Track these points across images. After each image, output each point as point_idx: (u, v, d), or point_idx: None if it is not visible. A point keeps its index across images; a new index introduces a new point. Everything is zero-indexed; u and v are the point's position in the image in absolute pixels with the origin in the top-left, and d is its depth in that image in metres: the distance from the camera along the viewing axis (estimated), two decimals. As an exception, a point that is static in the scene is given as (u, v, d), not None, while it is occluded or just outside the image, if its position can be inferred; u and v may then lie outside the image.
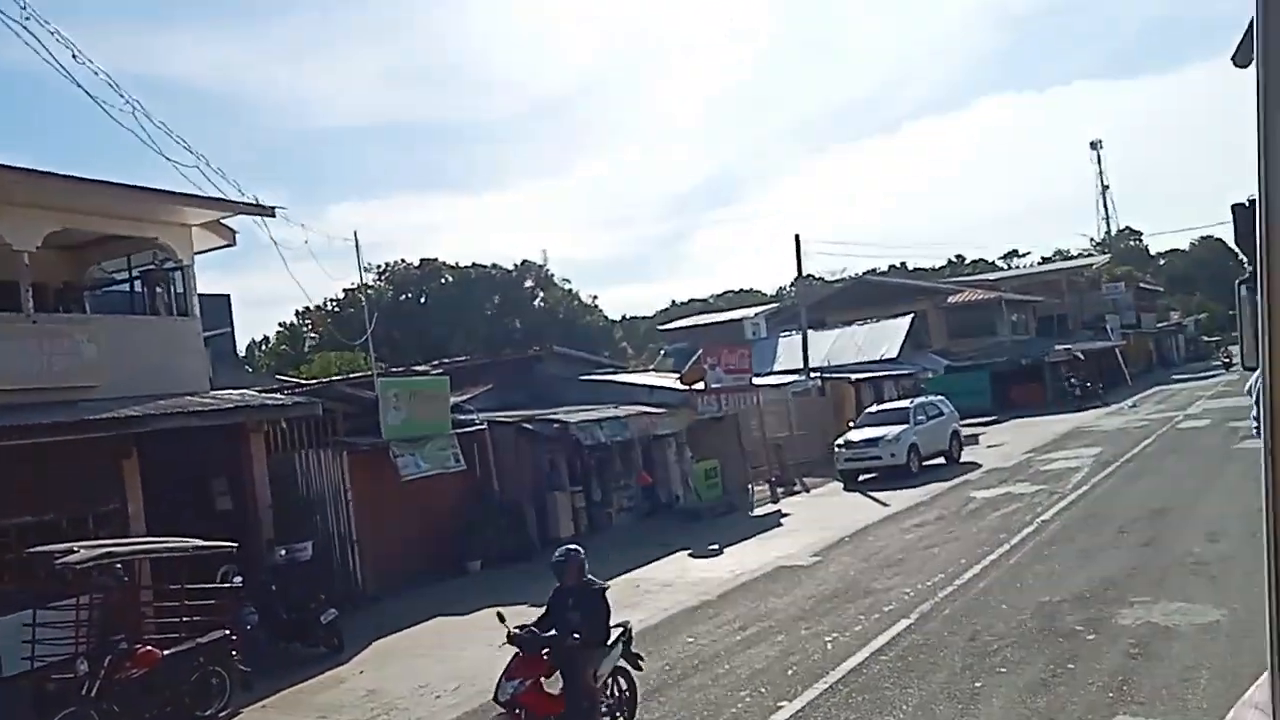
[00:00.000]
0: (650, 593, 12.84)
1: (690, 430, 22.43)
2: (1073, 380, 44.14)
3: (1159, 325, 74.89)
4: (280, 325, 69.95)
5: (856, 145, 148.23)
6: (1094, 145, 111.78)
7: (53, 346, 11.95)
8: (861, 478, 23.08)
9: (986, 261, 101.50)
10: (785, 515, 19.24)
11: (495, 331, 64.20)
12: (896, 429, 22.66)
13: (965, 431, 33.77)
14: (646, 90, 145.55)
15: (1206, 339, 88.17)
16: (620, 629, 7.44)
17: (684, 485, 20.84)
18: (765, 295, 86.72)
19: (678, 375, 21.65)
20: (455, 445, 16.27)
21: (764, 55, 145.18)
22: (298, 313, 71.17)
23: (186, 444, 13.86)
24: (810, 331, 40.28)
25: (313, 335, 69.79)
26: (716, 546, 15.90)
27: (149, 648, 8.84)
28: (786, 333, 40.74)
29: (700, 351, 21.56)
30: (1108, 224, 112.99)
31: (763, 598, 11.63)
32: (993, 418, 38.20)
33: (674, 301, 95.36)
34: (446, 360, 23.78)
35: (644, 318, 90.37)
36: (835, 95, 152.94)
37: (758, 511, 20.19)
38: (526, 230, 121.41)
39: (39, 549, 8.87)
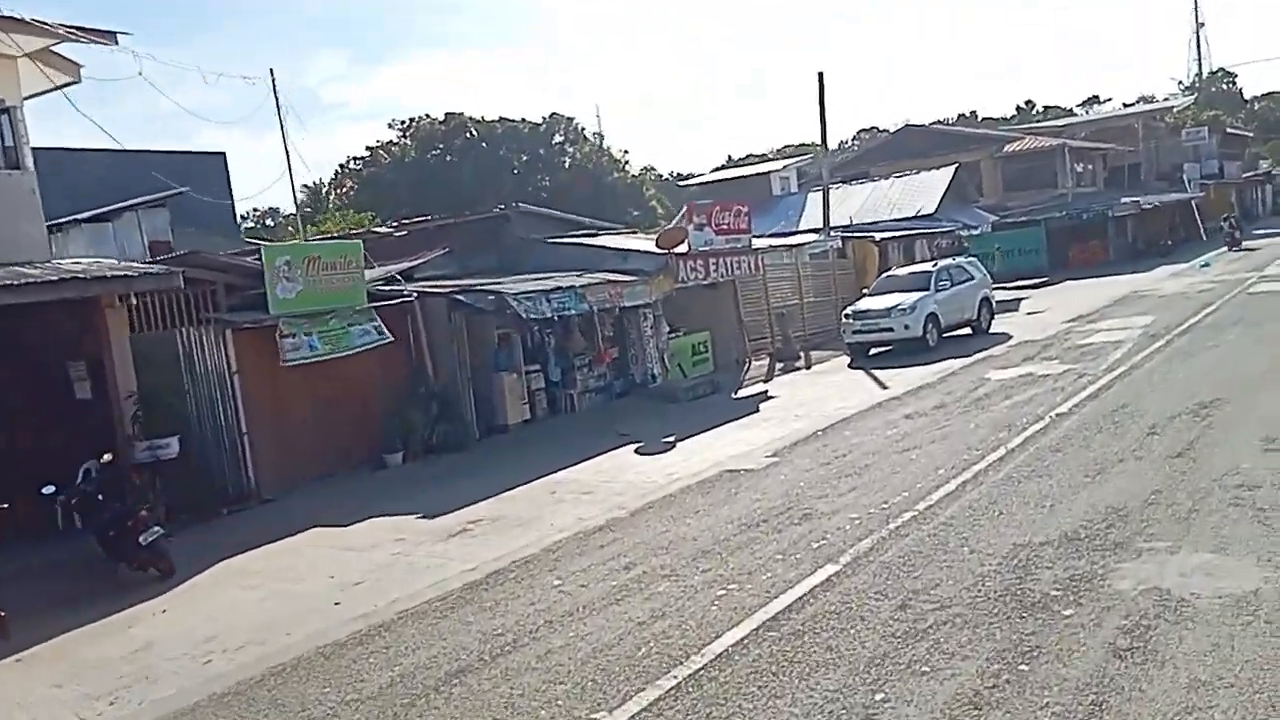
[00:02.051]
0: (562, 502, 10.65)
1: (677, 299, 19.85)
2: (1232, 220, 41.56)
3: (1245, 175, 68.41)
4: (304, 186, 67.84)
5: None
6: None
7: None
8: (873, 352, 20.41)
9: (1062, 109, 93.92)
10: (770, 398, 16.78)
11: (523, 189, 61.25)
12: (913, 296, 19.74)
13: (1008, 296, 30.63)
14: None
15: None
16: None
17: (662, 362, 18.41)
18: (828, 149, 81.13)
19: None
20: (375, 319, 14.00)
21: None
22: (336, 173, 68.66)
23: (32, 322, 11.83)
24: (844, 186, 36.72)
25: (337, 197, 67.76)
26: (672, 439, 13.60)
27: None
28: (817, 188, 37.14)
29: (684, 209, 18.69)
30: (1199, 66, 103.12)
31: (680, 517, 9.32)
32: (1044, 279, 34.73)
33: (730, 157, 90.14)
34: (407, 221, 21.35)
35: (694, 175, 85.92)
36: None
37: (743, 393, 17.75)
38: (579, 85, 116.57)
39: None
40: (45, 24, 11.19)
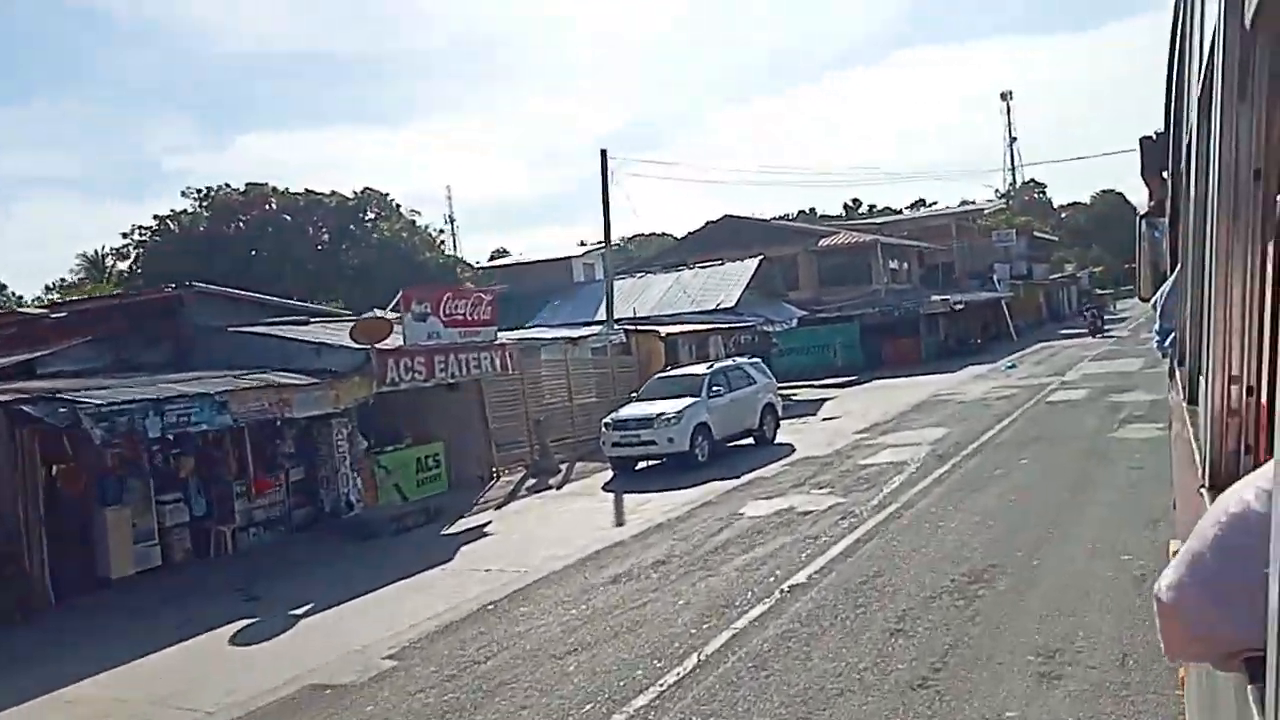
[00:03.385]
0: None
1: (411, 404, 16.37)
2: (1094, 310, 46.67)
3: (1052, 277, 71.50)
4: (79, 255, 60.92)
5: (778, 96, 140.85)
6: (1004, 96, 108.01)
7: None
8: (641, 465, 17.38)
9: (891, 209, 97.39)
10: (484, 535, 13.31)
11: (328, 266, 56.72)
12: (680, 404, 16.83)
13: (813, 396, 28.61)
14: (567, 35, 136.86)
15: (1100, 291, 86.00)
16: None
17: (363, 484, 14.64)
18: (677, 239, 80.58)
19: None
20: None
21: (686, 6, 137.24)
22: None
23: None
24: (649, 275, 34.43)
25: (121, 268, 61.09)
26: (302, 610, 9.90)
27: None
28: (620, 276, 34.67)
29: (400, 296, 15.25)
30: (1013, 175, 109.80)
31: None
32: (853, 378, 33.11)
33: (582, 243, 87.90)
34: (63, 301, 17.05)
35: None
36: (756, 47, 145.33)
37: (461, 524, 14.19)
38: (437, 168, 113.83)
39: None
40: None
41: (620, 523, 12.87)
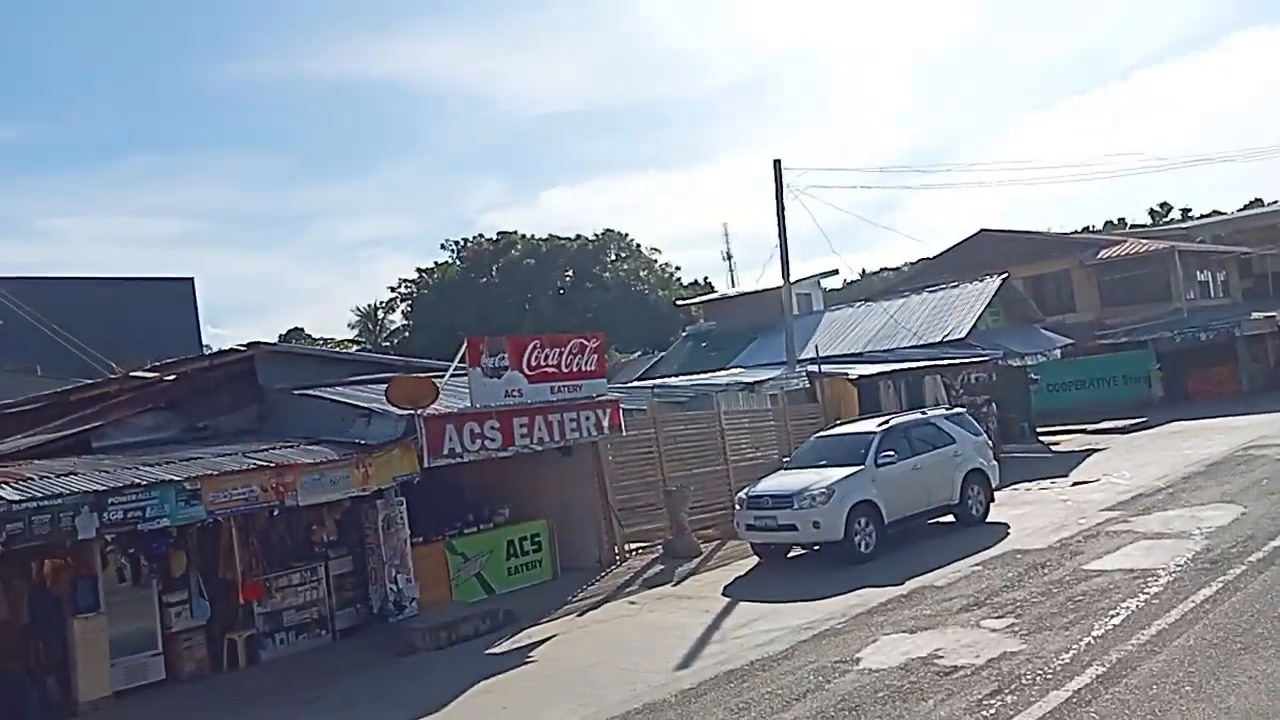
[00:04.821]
0: None
1: (521, 473, 13.78)
2: None
3: None
4: (355, 310, 65.51)
5: (1082, 98, 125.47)
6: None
7: None
8: (795, 553, 13.47)
9: (1220, 213, 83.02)
10: (528, 661, 10.09)
11: (565, 309, 56.67)
12: (834, 475, 12.65)
13: (1076, 445, 22.78)
14: (845, 61, 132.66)
15: None
16: None
17: (414, 578, 11.93)
18: (930, 259, 73.02)
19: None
20: None
21: (977, 7, 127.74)
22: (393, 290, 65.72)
23: None
24: (866, 305, 29.69)
25: (391, 319, 65.03)
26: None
27: None
28: (837, 306, 30.27)
29: (465, 346, 12.51)
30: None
31: None
32: (1141, 419, 26.30)
33: (864, 271, 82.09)
34: (163, 365, 16.14)
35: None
36: (1057, 46, 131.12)
37: (519, 638, 11.03)
38: (725, 206, 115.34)
39: None
40: None
41: (688, 662, 9.11)
